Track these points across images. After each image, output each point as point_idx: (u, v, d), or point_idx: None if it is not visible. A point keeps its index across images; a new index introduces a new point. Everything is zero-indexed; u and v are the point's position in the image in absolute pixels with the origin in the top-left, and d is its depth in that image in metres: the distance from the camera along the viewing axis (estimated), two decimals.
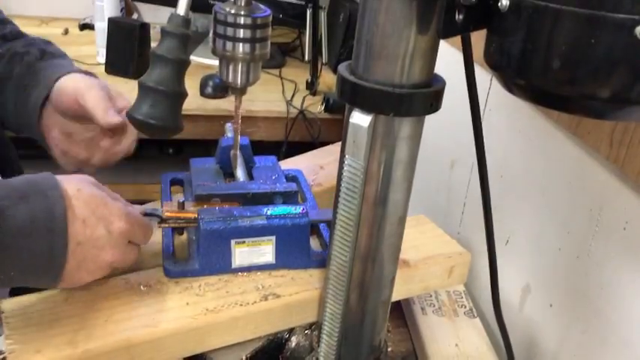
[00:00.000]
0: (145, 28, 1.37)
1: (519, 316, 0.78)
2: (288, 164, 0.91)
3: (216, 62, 0.64)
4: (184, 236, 0.72)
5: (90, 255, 0.58)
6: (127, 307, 0.61)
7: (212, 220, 0.65)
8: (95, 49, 1.48)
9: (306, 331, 0.67)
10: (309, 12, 1.41)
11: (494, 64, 0.43)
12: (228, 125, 0.85)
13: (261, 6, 0.60)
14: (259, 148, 0.85)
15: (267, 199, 0.71)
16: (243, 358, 0.65)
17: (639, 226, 0.58)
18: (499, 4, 0.41)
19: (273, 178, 0.76)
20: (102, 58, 1.44)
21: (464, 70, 0.52)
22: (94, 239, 0.58)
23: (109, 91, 0.76)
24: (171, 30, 0.55)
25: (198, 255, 0.66)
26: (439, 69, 0.49)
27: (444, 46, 0.48)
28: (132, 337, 0.57)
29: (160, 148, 1.72)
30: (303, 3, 1.46)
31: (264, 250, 0.67)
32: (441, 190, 1.05)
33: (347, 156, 0.50)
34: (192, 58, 1.49)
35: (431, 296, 0.82)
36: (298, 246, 0.68)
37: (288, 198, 0.71)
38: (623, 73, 0.36)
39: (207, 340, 0.62)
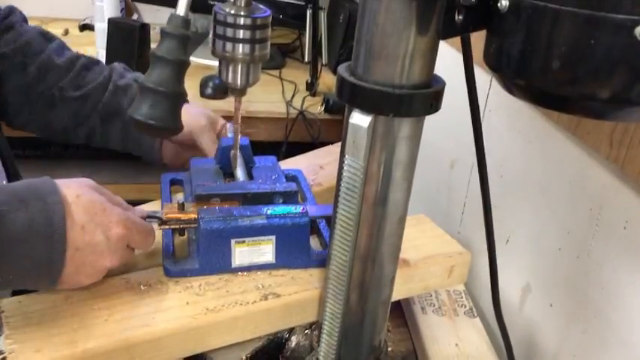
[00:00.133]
0: (144, 28, 1.37)
1: (519, 316, 0.78)
2: (288, 164, 0.91)
3: (216, 63, 0.64)
4: (184, 236, 0.72)
5: (88, 260, 0.58)
6: (126, 307, 0.61)
7: (212, 219, 0.65)
8: (95, 49, 1.48)
9: (306, 331, 0.67)
10: (308, 13, 1.41)
11: (494, 65, 0.43)
12: (229, 125, 0.85)
13: (261, 6, 0.60)
14: (259, 148, 0.85)
15: (267, 198, 0.71)
16: (243, 358, 0.65)
17: (639, 225, 0.58)
18: (499, 4, 0.41)
19: (273, 178, 0.76)
20: (102, 59, 1.43)
21: (463, 71, 0.52)
22: (93, 245, 0.58)
23: (212, 119, 0.88)
24: (171, 31, 0.55)
25: (198, 254, 0.66)
26: (439, 69, 0.49)
27: (443, 46, 0.48)
28: (131, 337, 0.58)
29: None
30: (303, 4, 1.46)
31: (264, 250, 0.67)
32: (441, 190, 1.05)
33: (347, 156, 0.50)
34: (192, 59, 1.49)
35: (431, 296, 0.82)
36: (298, 245, 0.68)
37: (288, 198, 0.71)
38: (623, 73, 0.36)
39: (207, 340, 0.62)
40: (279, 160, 0.82)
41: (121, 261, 0.62)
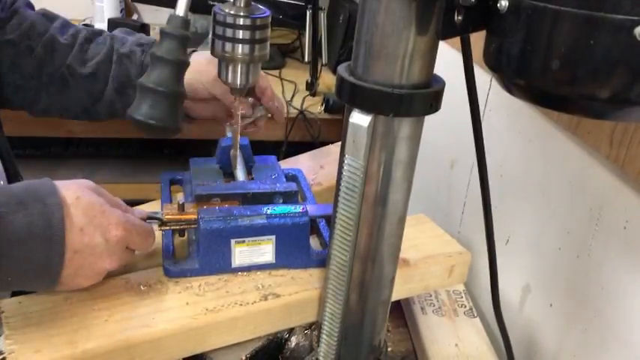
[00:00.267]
0: (144, 29, 1.37)
1: (519, 316, 0.78)
2: (288, 164, 0.91)
3: None
4: (184, 236, 0.72)
5: (87, 263, 0.58)
6: (126, 307, 0.61)
7: (212, 219, 0.65)
8: None
9: (305, 331, 0.67)
10: (308, 13, 1.41)
11: (494, 65, 0.43)
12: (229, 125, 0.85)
13: (261, 7, 0.60)
14: (259, 148, 0.85)
15: (267, 198, 0.71)
16: (243, 358, 0.65)
17: (639, 225, 0.58)
18: (498, 5, 0.41)
19: (273, 177, 0.76)
20: None
21: (463, 71, 0.52)
22: (92, 247, 0.58)
23: None
24: (171, 31, 0.55)
25: (198, 255, 0.66)
26: (439, 69, 0.49)
27: (443, 46, 0.48)
28: (131, 337, 0.58)
29: (160, 148, 1.72)
30: (303, 4, 1.46)
31: (264, 250, 0.67)
32: (441, 190, 1.05)
33: (347, 156, 0.50)
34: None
35: (431, 296, 0.82)
36: (298, 245, 0.68)
37: (288, 197, 0.71)
38: (623, 73, 0.36)
39: (206, 340, 0.62)
40: (279, 159, 0.82)
41: (120, 263, 0.62)
